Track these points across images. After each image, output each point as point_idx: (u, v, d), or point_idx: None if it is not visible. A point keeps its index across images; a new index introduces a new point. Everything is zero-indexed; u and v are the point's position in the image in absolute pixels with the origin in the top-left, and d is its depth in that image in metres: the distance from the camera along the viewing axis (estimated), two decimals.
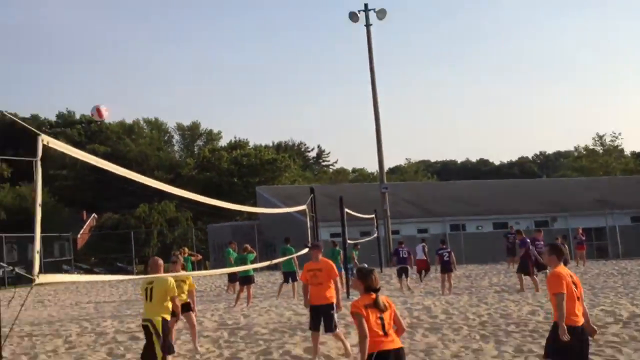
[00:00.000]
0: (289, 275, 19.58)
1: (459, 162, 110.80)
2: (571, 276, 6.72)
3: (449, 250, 19.47)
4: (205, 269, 39.79)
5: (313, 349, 9.95)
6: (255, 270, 18.81)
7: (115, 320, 15.65)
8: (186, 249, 21.81)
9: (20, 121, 5.68)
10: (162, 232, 49.53)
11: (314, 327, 9.83)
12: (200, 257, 22.92)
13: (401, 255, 20.85)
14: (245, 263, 17.83)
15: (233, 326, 13.55)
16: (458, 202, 44.55)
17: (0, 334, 4.18)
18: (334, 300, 9.74)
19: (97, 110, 10.95)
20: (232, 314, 15.76)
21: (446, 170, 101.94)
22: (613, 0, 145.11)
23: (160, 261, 9.24)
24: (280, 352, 10.34)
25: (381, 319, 5.72)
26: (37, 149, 4.90)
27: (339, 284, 10.06)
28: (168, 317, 8.83)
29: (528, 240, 19.13)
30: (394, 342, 5.74)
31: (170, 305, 8.84)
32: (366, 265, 6.14)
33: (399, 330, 5.91)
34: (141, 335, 12.85)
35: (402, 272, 20.58)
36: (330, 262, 10.20)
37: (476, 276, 24.06)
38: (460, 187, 53.49)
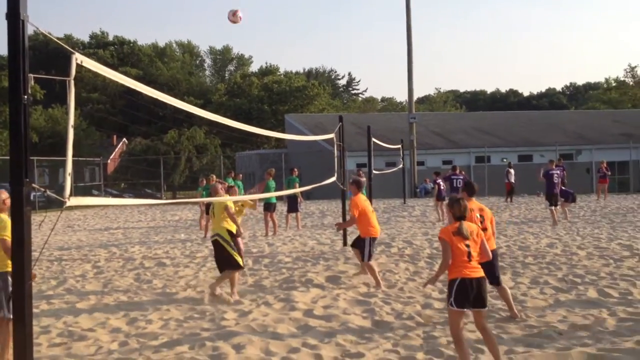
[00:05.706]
0: (291, 203, 19.36)
1: (488, 92, 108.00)
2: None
3: (461, 177, 19.51)
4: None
5: None
6: (276, 199, 19.02)
7: (143, 247, 16.14)
8: (214, 177, 21.95)
9: (55, 39, 5.52)
10: (191, 159, 49.94)
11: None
12: (226, 184, 23.11)
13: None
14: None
15: (257, 254, 13.88)
16: (484, 133, 44.17)
17: (31, 258, 4.29)
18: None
19: (234, 14, 10.59)
20: (256, 242, 16.12)
21: (475, 101, 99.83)
22: None
23: (219, 186, 10.32)
24: (302, 281, 10.55)
25: (467, 246, 5.80)
26: (70, 68, 4.59)
27: None
28: (232, 229, 9.60)
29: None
30: (477, 271, 5.81)
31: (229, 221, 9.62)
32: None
33: (483, 257, 5.97)
34: (167, 261, 13.31)
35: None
36: None
37: (497, 209, 24.09)
38: (487, 118, 52.90)
